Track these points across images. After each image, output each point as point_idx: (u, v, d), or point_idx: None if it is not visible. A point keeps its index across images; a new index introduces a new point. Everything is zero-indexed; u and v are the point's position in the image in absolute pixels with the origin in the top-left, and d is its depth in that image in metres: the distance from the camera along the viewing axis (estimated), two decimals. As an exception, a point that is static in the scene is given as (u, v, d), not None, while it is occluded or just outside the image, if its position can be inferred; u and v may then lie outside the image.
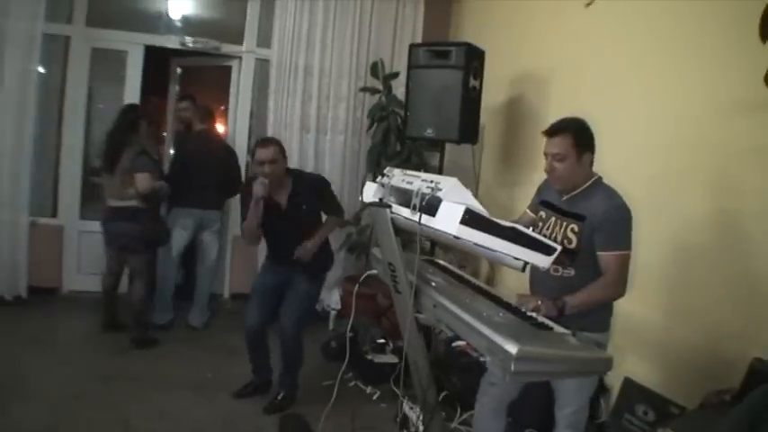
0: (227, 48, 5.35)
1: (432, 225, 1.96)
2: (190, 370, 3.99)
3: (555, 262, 2.42)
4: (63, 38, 5.01)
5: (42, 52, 4.78)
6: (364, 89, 5.00)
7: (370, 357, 4.13)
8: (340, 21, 5.20)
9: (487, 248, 1.90)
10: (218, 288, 5.42)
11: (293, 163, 4.68)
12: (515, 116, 4.52)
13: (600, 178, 2.50)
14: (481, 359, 1.88)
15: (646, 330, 3.03)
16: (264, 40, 5.34)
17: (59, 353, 4.03)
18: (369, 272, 2.94)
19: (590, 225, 2.38)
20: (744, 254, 2.68)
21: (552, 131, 2.48)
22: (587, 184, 2.48)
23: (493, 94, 4.42)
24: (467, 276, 2.69)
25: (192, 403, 3.54)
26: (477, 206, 1.91)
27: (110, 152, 4.25)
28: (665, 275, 2.99)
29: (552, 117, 4.06)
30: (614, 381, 3.08)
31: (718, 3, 2.86)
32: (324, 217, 3.70)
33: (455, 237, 1.86)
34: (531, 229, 2.56)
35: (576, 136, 2.43)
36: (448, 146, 4.61)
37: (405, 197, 2.23)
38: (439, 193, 1.95)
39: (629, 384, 3.01)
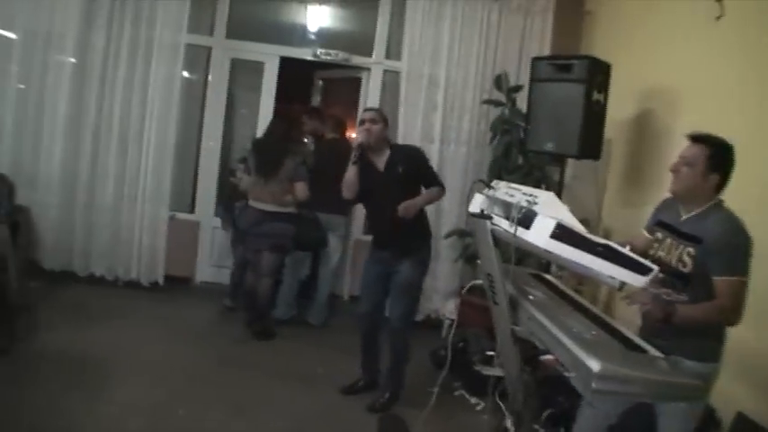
0: (356, 59, 5.60)
1: (525, 238, 2.00)
2: (302, 364, 4.25)
3: (667, 286, 2.38)
4: (205, 48, 5.52)
5: (186, 61, 5.30)
6: (487, 101, 5.03)
7: (477, 368, 4.13)
8: (467, 33, 5.27)
9: (579, 264, 1.90)
10: (338, 289, 5.66)
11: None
12: (643, 132, 4.35)
13: (721, 202, 2.38)
14: (566, 374, 1.88)
15: (765, 362, 2.80)
16: (392, 51, 5.54)
17: (183, 337, 4.44)
18: (474, 282, 3.02)
19: (706, 248, 2.27)
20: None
21: (694, 137, 2.42)
22: (707, 205, 2.37)
23: (620, 109, 4.28)
24: (571, 293, 2.66)
25: (300, 394, 3.77)
26: (572, 221, 1.92)
27: (272, 159, 4.51)
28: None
29: (682, 135, 3.92)
30: (726, 415, 2.88)
31: None
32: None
33: (545, 250, 1.88)
34: (647, 251, 2.55)
35: (714, 151, 2.36)
36: (571, 161, 4.53)
37: (506, 209, 2.28)
38: (535, 207, 1.99)
39: (741, 420, 2.80)
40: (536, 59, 4.15)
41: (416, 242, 3.72)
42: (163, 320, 4.71)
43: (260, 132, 5.39)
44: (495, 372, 4.13)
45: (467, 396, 4.00)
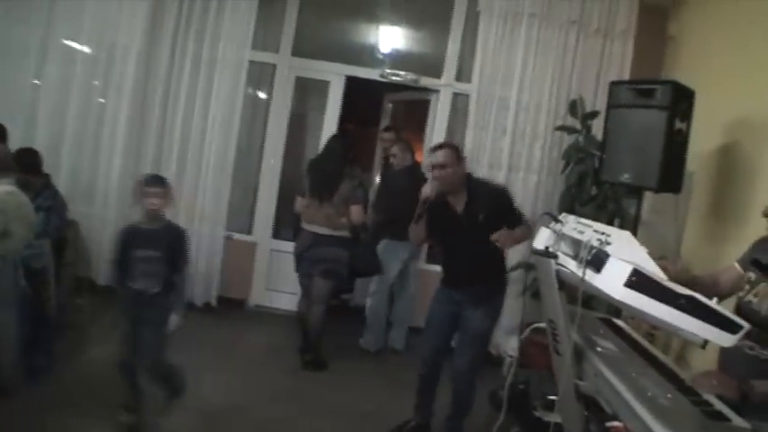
0: (425, 81, 5.44)
1: (595, 283, 1.76)
2: (352, 399, 4.04)
3: (753, 339, 2.06)
4: (270, 65, 5.47)
5: (249, 78, 5.27)
6: (561, 128, 4.75)
7: (538, 414, 3.83)
8: (541, 56, 5.05)
9: (656, 317, 1.64)
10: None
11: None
12: (728, 165, 3.98)
13: None
14: (638, 447, 1.63)
15: None
16: (463, 73, 5.36)
17: (235, 364, 4.32)
18: (536, 324, 2.77)
19: None
20: None
21: None
22: None
23: (704, 140, 3.93)
24: (644, 343, 2.38)
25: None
26: (651, 266, 1.67)
27: (328, 181, 4.37)
28: None
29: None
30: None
31: None
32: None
33: (618, 300, 1.64)
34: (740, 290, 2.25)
35: None
36: (649, 194, 4.21)
37: (574, 248, 2.04)
38: (608, 248, 1.75)
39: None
40: (614, 84, 3.87)
41: (493, 290, 3.52)
42: (214, 344, 4.62)
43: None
44: (557, 419, 3.87)
45: (526, 443, 3.69)
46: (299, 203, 4.53)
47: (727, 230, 3.84)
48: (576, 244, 2.02)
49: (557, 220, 2.28)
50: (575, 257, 1.97)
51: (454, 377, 3.43)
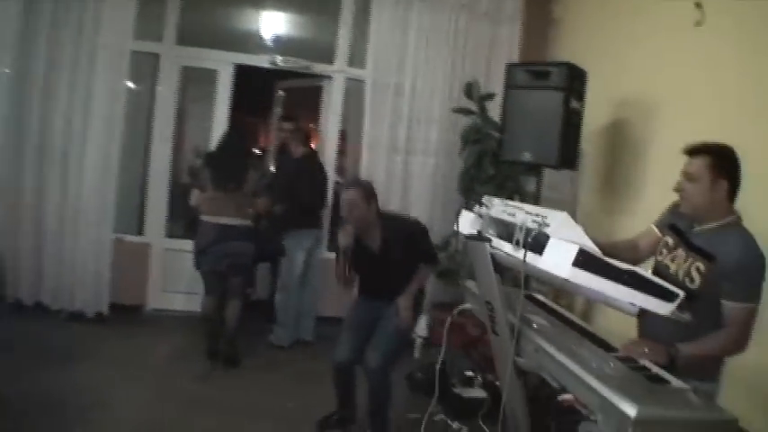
0: (318, 67, 5.34)
1: (538, 265, 1.79)
2: (270, 398, 3.90)
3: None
4: (152, 55, 5.13)
5: (131, 70, 4.91)
6: (458, 110, 4.84)
7: (458, 391, 3.93)
8: (433, 40, 5.09)
9: (599, 292, 1.71)
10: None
11: (380, 185, 4.55)
12: (618, 142, 4.24)
13: (739, 219, 2.21)
14: (591, 418, 1.69)
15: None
16: (355, 59, 5.31)
17: (142, 376, 4.02)
18: (462, 306, 2.81)
19: (720, 269, 2.10)
20: None
21: (691, 151, 2.25)
22: (724, 221, 2.19)
23: (594, 118, 4.16)
24: (568, 315, 2.49)
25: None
26: (590, 245, 1.72)
27: (235, 173, 4.27)
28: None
29: (660, 145, 3.84)
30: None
31: None
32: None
33: (564, 279, 1.68)
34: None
35: (715, 158, 2.19)
36: (545, 171, 4.41)
37: (506, 230, 2.07)
38: (547, 229, 1.79)
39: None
40: (511, 66, 3.99)
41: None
42: (115, 357, 4.26)
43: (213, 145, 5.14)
44: (476, 394, 3.98)
45: (449, 421, 3.76)
46: (197, 197, 4.33)
47: (621, 204, 4.09)
48: (507, 226, 2.06)
49: (480, 204, 2.31)
50: (508, 240, 2.01)
51: (369, 375, 3.34)
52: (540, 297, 2.74)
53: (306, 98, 5.94)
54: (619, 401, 1.54)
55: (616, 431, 1.55)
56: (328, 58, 5.33)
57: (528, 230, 1.86)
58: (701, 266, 2.15)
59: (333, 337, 4.09)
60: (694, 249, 2.22)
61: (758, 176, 2.55)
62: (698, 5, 3.35)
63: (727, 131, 3.15)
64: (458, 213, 2.47)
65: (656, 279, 1.72)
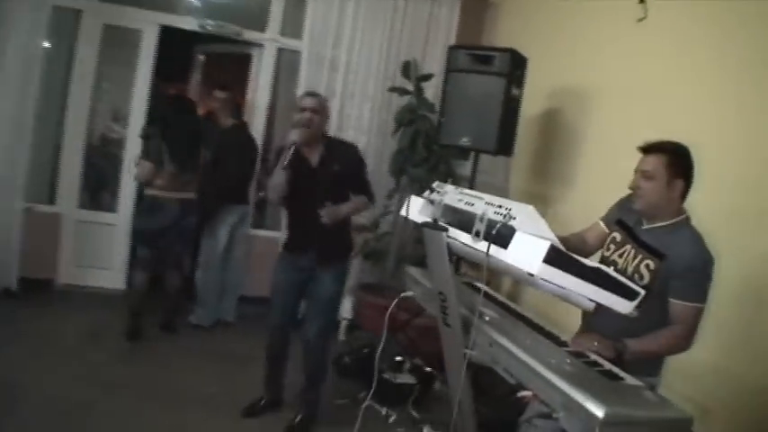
0: (249, 34, 5.06)
1: (501, 257, 1.73)
2: (193, 382, 3.69)
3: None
4: (74, 12, 4.67)
5: (50, 27, 4.48)
6: (393, 89, 4.73)
7: (387, 377, 3.87)
8: (371, 16, 4.93)
9: (562, 289, 1.67)
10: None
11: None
12: (552, 130, 4.29)
13: (689, 218, 2.25)
14: (554, 416, 1.66)
15: (709, 376, 2.77)
16: (288, 28, 5.07)
17: (53, 354, 3.73)
18: (404, 294, 2.73)
19: (670, 268, 2.12)
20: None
21: (647, 148, 2.25)
22: (674, 219, 2.22)
23: (528, 105, 4.17)
24: (512, 305, 2.46)
25: (195, 422, 3.24)
26: (556, 241, 1.68)
27: (190, 144, 4.15)
28: (736, 317, 2.71)
29: (595, 135, 3.90)
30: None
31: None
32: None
33: (530, 274, 1.63)
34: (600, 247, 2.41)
35: (672, 157, 2.20)
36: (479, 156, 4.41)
37: (462, 220, 2.00)
38: (512, 222, 1.72)
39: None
40: (453, 48, 3.92)
41: (340, 251, 3.37)
42: (27, 335, 3.92)
43: (136, 112, 4.82)
44: (406, 379, 3.95)
45: (377, 407, 3.72)
46: (146, 170, 4.02)
47: (553, 191, 4.15)
48: (463, 215, 1.98)
49: (431, 189, 2.23)
50: (464, 229, 1.94)
51: (306, 347, 3.28)
52: (481, 286, 2.70)
53: (231, 66, 5.65)
54: (584, 401, 1.52)
55: (581, 430, 1.53)
56: (260, 25, 5.05)
57: (491, 222, 1.80)
58: (651, 264, 2.17)
59: (256, 318, 3.96)
60: (645, 247, 2.24)
61: (698, 172, 2.63)
62: (642, 1, 3.39)
63: (663, 126, 3.24)
64: (397, 195, 2.38)
65: (621, 277, 1.71)
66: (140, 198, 4.43)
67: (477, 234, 1.85)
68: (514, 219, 1.73)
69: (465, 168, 4.66)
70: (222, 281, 4.62)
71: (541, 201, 4.22)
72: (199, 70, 5.94)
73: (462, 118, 3.79)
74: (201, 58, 5.90)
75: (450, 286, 2.04)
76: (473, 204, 1.95)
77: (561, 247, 1.62)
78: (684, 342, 2.12)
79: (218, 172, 4.37)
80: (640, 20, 3.42)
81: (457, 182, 4.57)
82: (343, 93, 4.94)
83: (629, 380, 1.81)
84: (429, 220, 2.12)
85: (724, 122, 2.89)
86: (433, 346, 4.01)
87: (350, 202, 3.23)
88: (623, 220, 2.39)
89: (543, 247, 1.58)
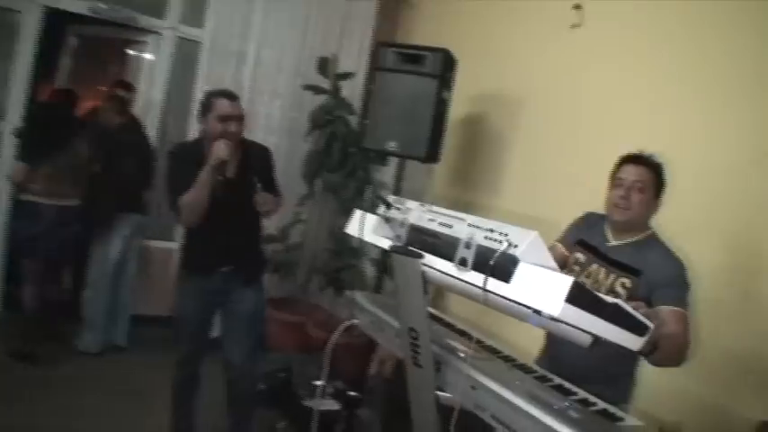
0: (145, 21, 4.49)
1: (501, 292, 1.47)
2: (90, 424, 3.17)
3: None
4: None
5: None
6: (309, 87, 4.35)
7: (308, 404, 3.52)
8: (283, 8, 4.55)
9: (575, 329, 1.44)
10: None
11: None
12: (476, 136, 4.13)
13: (656, 233, 2.15)
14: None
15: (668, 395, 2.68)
16: (188, 16, 4.57)
17: None
18: (350, 322, 2.41)
19: (650, 281, 2.01)
20: (757, 312, 2.42)
21: (638, 160, 2.14)
22: (643, 234, 2.14)
23: (452, 109, 3.99)
24: (473, 332, 2.22)
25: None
26: (559, 271, 1.45)
27: (65, 143, 3.68)
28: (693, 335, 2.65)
29: (522, 142, 3.77)
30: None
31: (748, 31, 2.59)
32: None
33: (536, 312, 1.38)
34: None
35: (659, 175, 2.13)
36: (394, 160, 4.17)
37: (437, 244, 1.72)
38: (514, 251, 1.46)
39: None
40: (381, 45, 3.61)
41: (257, 265, 3.02)
42: None
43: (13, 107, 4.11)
44: (329, 406, 3.61)
45: (299, 439, 3.37)
46: (19, 171, 3.57)
47: (477, 198, 3.99)
48: (439, 238, 1.70)
49: (388, 205, 1.94)
50: (440, 255, 1.67)
51: (233, 377, 2.89)
52: (434, 312, 2.44)
53: (112, 51, 5.02)
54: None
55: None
56: (157, 11, 4.50)
57: (482, 249, 1.53)
58: (627, 282, 2.06)
59: (152, 342, 3.50)
60: (617, 265, 2.12)
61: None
62: (577, 7, 3.29)
63: (596, 136, 3.18)
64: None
65: (635, 312, 1.50)
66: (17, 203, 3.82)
67: (464, 263, 1.57)
68: (516, 247, 1.47)
69: (383, 174, 4.41)
70: (113, 300, 4.04)
71: (465, 207, 4.02)
72: (69, 53, 5.12)
73: (389, 121, 3.51)
74: (74, 39, 5.10)
75: (424, 321, 1.76)
76: (452, 226, 1.67)
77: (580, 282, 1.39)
78: (687, 349, 1.95)
79: (108, 177, 3.82)
80: (575, 26, 3.32)
81: (377, 188, 4.35)
82: (252, 89, 4.52)
83: (630, 420, 1.63)
84: (393, 242, 1.83)
85: (662, 131, 2.83)
86: (355, 365, 3.72)
87: (275, 198, 2.88)
88: (584, 239, 2.26)
89: (565, 285, 1.33)
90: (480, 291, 1.51)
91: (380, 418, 3.55)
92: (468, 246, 1.57)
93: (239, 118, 2.69)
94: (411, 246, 1.77)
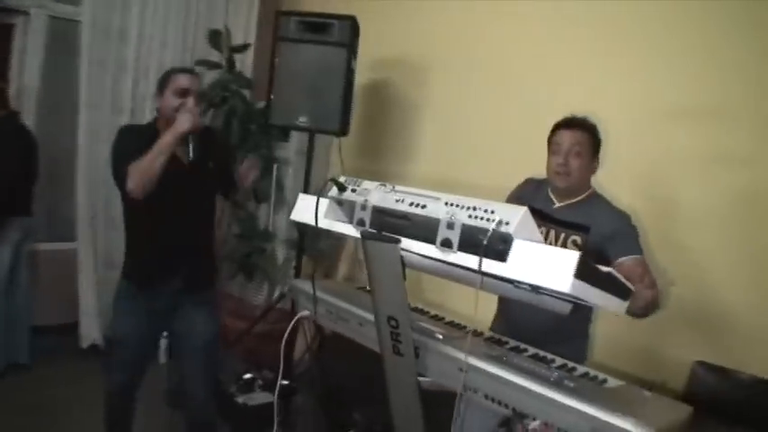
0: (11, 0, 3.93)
1: (497, 272, 1.43)
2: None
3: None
4: None
5: None
6: (202, 63, 4.01)
7: (241, 400, 3.34)
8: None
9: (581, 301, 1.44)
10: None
11: (104, 154, 3.48)
12: (382, 102, 4.05)
13: (596, 190, 2.22)
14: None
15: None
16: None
17: None
18: (301, 314, 2.27)
19: (599, 235, 2.06)
20: (678, 264, 2.58)
21: (572, 124, 2.15)
22: (585, 194, 2.21)
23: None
24: (418, 306, 2.19)
25: None
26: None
27: None
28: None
29: (430, 108, 3.74)
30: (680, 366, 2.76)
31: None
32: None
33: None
34: None
35: (594, 134, 2.16)
36: (296, 133, 4.03)
37: (412, 226, 1.65)
38: (506, 228, 1.42)
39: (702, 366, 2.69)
40: (282, 14, 3.38)
41: (210, 275, 2.64)
42: None
43: None
44: (263, 399, 3.44)
45: (233, 436, 3.20)
46: None
47: (388, 168, 3.93)
48: (413, 220, 1.62)
49: (341, 187, 1.84)
50: (416, 238, 1.60)
51: (192, 412, 2.60)
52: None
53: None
54: (624, 423, 1.33)
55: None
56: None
57: (469, 229, 1.48)
58: (578, 239, 2.11)
59: (57, 356, 3.14)
60: (565, 224, 2.16)
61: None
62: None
63: (513, 100, 3.23)
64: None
65: (622, 277, 1.53)
66: None
67: (448, 244, 1.51)
68: (507, 224, 1.43)
69: (285, 150, 4.25)
70: (7, 313, 3.57)
71: (377, 178, 3.97)
72: None
73: (297, 95, 3.34)
74: None
75: (404, 309, 1.69)
76: (425, 206, 1.60)
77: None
78: (658, 292, 1.95)
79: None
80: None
81: (281, 167, 4.18)
82: (137, 68, 4.12)
83: (616, 382, 1.68)
84: (355, 227, 1.73)
85: (577, 91, 2.92)
86: (277, 350, 3.58)
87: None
88: (530, 205, 2.27)
89: (572, 260, 1.31)
90: (470, 272, 1.47)
91: (318, 403, 3.46)
92: (450, 226, 1.51)
93: (196, 92, 2.40)
94: (378, 229, 1.69)
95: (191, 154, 2.32)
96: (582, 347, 2.25)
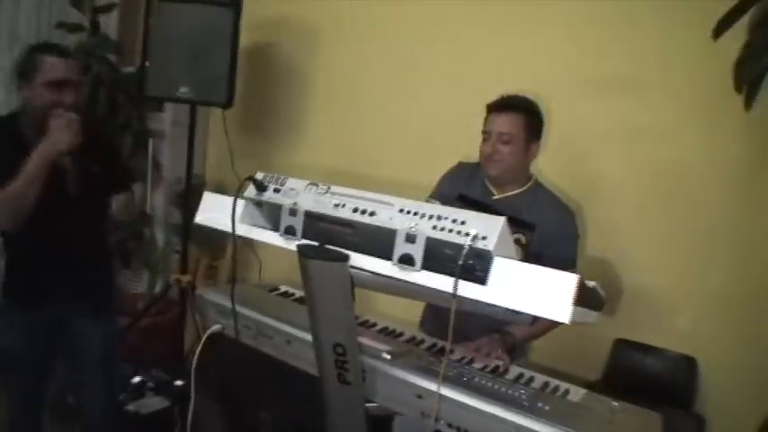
0: None
1: (472, 296, 1.22)
2: None
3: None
4: None
5: None
6: (62, 25, 3.34)
7: (132, 408, 2.96)
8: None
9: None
10: None
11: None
12: (266, 69, 3.65)
13: (538, 179, 2.05)
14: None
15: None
16: None
17: None
18: (213, 329, 1.95)
19: (540, 236, 1.91)
20: (600, 234, 2.55)
21: (500, 107, 1.95)
22: (528, 185, 2.02)
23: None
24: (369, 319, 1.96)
25: None
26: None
27: None
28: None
29: (321, 75, 3.42)
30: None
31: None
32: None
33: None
34: None
35: (529, 118, 1.95)
36: (170, 106, 3.62)
37: (352, 236, 1.40)
38: (484, 245, 1.21)
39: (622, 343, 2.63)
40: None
41: (105, 286, 2.32)
42: None
43: None
44: (157, 404, 3.06)
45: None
46: None
47: (279, 140, 3.61)
48: (359, 229, 1.37)
49: (260, 186, 1.55)
50: (362, 251, 1.36)
51: (89, 430, 2.37)
52: (289, 289, 2.11)
53: None
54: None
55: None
56: None
57: (434, 243, 1.26)
58: (522, 238, 1.93)
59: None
60: (510, 221, 1.98)
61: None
62: None
63: (421, 69, 3.01)
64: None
65: (602, 291, 1.38)
66: None
67: (408, 261, 1.28)
68: (484, 239, 1.22)
69: (160, 122, 3.78)
70: None
71: (256, 154, 3.62)
72: None
73: (176, 62, 2.89)
74: None
75: (352, 335, 1.45)
76: (374, 213, 1.36)
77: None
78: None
79: None
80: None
81: (156, 141, 3.70)
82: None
83: (574, 391, 1.58)
84: (285, 237, 1.46)
85: (491, 70, 2.76)
86: (164, 346, 3.23)
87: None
88: (463, 193, 2.07)
89: (570, 285, 1.14)
90: (439, 293, 1.25)
91: (217, 404, 3.15)
92: (411, 239, 1.28)
93: (76, 85, 2.00)
94: (314, 240, 1.42)
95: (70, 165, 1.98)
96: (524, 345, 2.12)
